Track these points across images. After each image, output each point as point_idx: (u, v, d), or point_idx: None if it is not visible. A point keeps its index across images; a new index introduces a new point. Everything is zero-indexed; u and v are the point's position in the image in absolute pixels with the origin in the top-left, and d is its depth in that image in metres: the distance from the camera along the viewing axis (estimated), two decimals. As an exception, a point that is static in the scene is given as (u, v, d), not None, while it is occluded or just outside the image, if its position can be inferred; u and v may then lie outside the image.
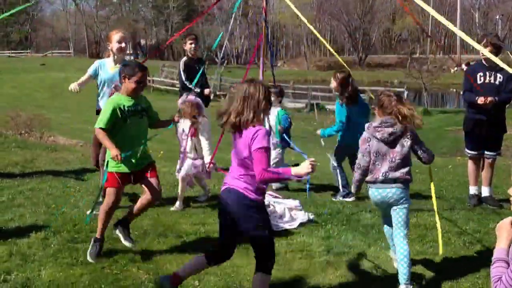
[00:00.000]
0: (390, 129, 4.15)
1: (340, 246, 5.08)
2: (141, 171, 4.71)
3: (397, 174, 4.15)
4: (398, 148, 4.17)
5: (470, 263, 4.76)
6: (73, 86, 5.85)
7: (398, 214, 4.19)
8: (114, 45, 6.00)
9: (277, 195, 6.34)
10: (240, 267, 4.60)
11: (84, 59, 56.39)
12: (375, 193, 4.25)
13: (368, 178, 4.28)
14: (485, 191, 6.73)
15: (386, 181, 4.17)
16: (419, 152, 4.23)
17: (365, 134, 4.28)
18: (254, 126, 3.47)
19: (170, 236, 5.33)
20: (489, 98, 6.25)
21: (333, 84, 7.00)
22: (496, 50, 6.34)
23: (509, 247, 2.33)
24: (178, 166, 6.57)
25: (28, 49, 73.84)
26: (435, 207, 4.37)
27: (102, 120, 4.48)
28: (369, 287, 4.24)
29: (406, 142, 4.17)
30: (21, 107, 17.12)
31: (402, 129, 4.15)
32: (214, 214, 6.06)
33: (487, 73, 6.43)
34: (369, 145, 4.23)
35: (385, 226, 4.53)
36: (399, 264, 4.19)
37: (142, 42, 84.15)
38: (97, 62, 6.11)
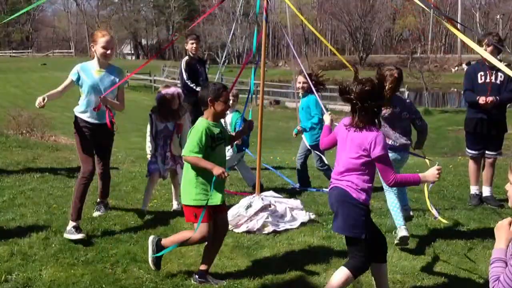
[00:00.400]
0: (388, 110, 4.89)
1: (341, 246, 5.07)
2: (223, 204, 4.33)
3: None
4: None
5: (472, 263, 4.76)
6: (38, 101, 4.98)
7: None
8: (98, 49, 5.26)
9: (279, 195, 6.34)
10: (241, 267, 4.61)
11: (86, 58, 56.16)
12: None
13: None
14: (486, 191, 6.73)
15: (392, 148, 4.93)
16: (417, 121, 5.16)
17: None
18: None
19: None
20: (490, 98, 6.25)
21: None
22: (497, 50, 6.36)
23: (508, 247, 2.34)
24: (161, 166, 6.10)
25: (29, 49, 73.97)
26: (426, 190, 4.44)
27: (194, 148, 4.05)
28: (370, 287, 4.24)
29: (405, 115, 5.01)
30: (22, 106, 17.14)
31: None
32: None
33: (488, 73, 6.43)
34: None
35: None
36: (392, 212, 5.02)
37: (143, 42, 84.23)
38: (78, 66, 5.30)
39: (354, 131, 3.62)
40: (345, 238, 3.81)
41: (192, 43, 8.20)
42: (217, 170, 3.99)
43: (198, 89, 8.00)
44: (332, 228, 3.93)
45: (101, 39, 5.24)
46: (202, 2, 73.85)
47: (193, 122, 7.92)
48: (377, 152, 3.54)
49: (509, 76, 6.28)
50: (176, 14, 76.24)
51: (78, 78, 5.23)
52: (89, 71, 5.25)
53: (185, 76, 8.10)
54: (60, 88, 5.23)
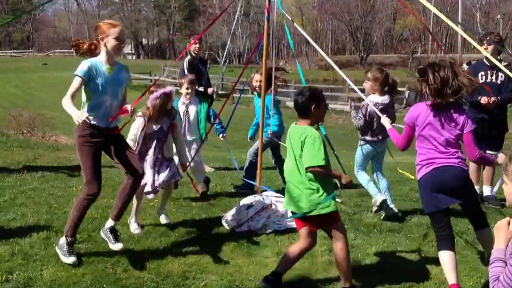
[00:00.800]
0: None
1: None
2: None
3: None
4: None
5: (473, 262, 4.76)
6: (78, 116, 4.04)
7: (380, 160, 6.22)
8: (110, 41, 4.47)
9: (280, 195, 6.33)
10: (242, 267, 4.61)
11: (87, 58, 56.48)
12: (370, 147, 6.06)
13: (368, 138, 6.02)
14: (487, 190, 6.74)
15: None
16: None
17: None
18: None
19: (172, 235, 5.33)
20: (492, 98, 6.25)
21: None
22: (498, 49, 6.37)
23: (507, 246, 2.35)
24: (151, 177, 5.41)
25: (30, 48, 74.04)
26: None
27: (320, 157, 3.94)
28: (371, 286, 4.24)
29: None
30: (23, 106, 17.17)
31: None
32: (216, 214, 6.07)
33: (489, 72, 6.43)
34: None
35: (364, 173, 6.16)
36: (366, 186, 6.06)
37: (144, 41, 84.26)
38: (87, 63, 4.42)
39: (445, 112, 4.06)
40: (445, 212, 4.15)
41: (195, 43, 8.29)
42: (345, 178, 4.08)
43: (200, 89, 8.06)
44: (467, 207, 4.28)
45: (114, 30, 4.47)
46: (202, 2, 73.98)
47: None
48: (470, 127, 4.07)
49: (509, 76, 6.30)
50: (176, 14, 76.33)
51: (90, 78, 4.39)
52: (101, 69, 4.46)
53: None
54: (70, 94, 4.28)
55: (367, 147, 6.05)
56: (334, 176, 4.12)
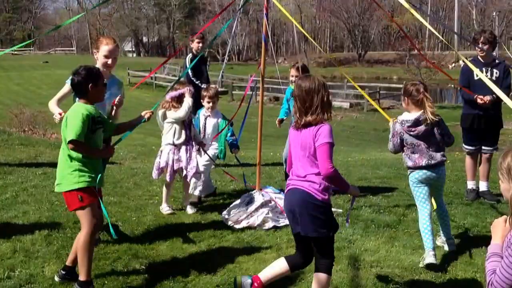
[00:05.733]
0: (423, 127, 4.63)
1: (340, 241, 5.12)
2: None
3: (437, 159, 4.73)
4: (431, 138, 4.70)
5: (469, 257, 4.80)
6: (55, 115, 4.44)
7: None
8: (99, 57, 4.77)
9: (279, 191, 6.37)
10: (241, 262, 4.64)
11: (87, 56, 56.52)
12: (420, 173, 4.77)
13: (410, 165, 4.78)
14: (483, 186, 6.79)
15: (428, 166, 4.72)
16: (445, 137, 4.77)
17: (397, 128, 4.75)
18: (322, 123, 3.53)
19: (171, 231, 5.38)
20: (488, 98, 6.29)
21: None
22: (492, 46, 6.44)
23: (503, 242, 2.39)
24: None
25: (31, 47, 74.02)
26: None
27: (76, 132, 3.80)
28: (369, 282, 4.28)
29: (437, 131, 4.70)
30: (25, 104, 17.21)
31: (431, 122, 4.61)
32: (216, 210, 6.11)
33: (484, 69, 6.48)
34: (400, 139, 4.77)
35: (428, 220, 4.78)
36: (422, 234, 4.74)
37: (144, 39, 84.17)
38: None
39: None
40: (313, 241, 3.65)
41: (198, 42, 8.44)
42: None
43: (203, 86, 8.19)
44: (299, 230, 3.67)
45: (104, 47, 4.75)
46: (202, 0, 73.89)
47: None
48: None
49: (505, 70, 6.39)
50: (176, 11, 76.27)
51: None
52: None
53: (190, 73, 8.35)
54: (57, 97, 4.63)
55: (412, 176, 4.84)
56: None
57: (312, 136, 3.49)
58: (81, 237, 3.91)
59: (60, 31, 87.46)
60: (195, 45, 8.46)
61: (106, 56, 4.75)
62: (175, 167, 5.92)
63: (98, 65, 4.71)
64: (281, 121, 7.08)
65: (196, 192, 6.44)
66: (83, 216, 3.91)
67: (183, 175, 6.00)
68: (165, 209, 6.01)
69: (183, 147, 5.97)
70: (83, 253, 3.89)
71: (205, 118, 6.65)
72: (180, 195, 6.57)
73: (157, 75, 38.25)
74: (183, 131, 5.96)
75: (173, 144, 5.95)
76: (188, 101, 5.90)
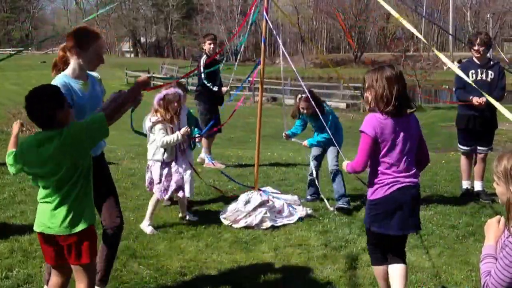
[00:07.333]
0: None
1: (338, 240, 5.14)
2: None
3: None
4: None
5: (464, 256, 4.81)
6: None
7: None
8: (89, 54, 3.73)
9: (276, 191, 6.39)
10: (239, 262, 4.66)
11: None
12: None
13: None
14: (478, 186, 6.81)
15: None
16: None
17: None
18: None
19: (170, 232, 5.39)
20: (484, 99, 6.31)
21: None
22: (487, 48, 6.48)
23: (497, 243, 2.40)
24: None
25: (29, 47, 73.88)
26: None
27: None
28: (366, 281, 4.30)
29: None
30: (23, 103, 17.10)
31: None
32: (216, 210, 6.12)
33: (479, 71, 6.52)
34: None
35: None
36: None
37: (142, 40, 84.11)
38: (62, 82, 3.65)
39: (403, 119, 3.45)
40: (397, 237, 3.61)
41: (210, 44, 8.45)
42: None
43: (215, 89, 8.26)
44: (410, 229, 3.65)
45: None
46: (200, 1, 73.87)
47: (208, 121, 7.94)
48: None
49: (500, 71, 6.43)
50: (174, 12, 76.18)
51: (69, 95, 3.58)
52: (75, 87, 3.67)
53: (203, 75, 8.32)
54: None
55: None
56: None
57: (416, 125, 3.50)
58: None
59: (57, 31, 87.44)
60: (207, 46, 8.44)
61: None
62: (166, 185, 5.51)
63: (80, 65, 3.73)
64: (289, 136, 6.70)
65: (187, 195, 5.93)
66: (90, 270, 3.30)
67: (178, 195, 5.61)
68: (148, 229, 5.37)
69: (174, 165, 5.56)
70: None
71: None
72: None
73: (155, 76, 38.22)
74: (174, 148, 5.53)
75: (163, 162, 5.53)
76: (178, 135, 5.40)
